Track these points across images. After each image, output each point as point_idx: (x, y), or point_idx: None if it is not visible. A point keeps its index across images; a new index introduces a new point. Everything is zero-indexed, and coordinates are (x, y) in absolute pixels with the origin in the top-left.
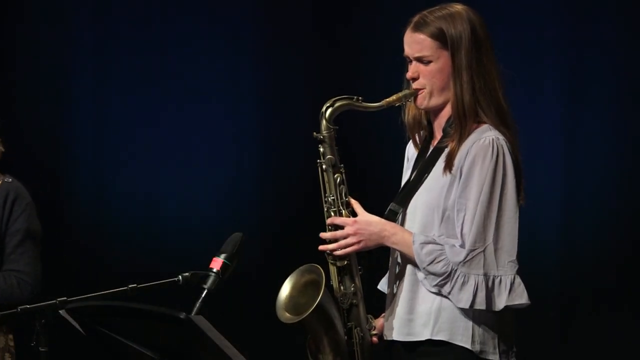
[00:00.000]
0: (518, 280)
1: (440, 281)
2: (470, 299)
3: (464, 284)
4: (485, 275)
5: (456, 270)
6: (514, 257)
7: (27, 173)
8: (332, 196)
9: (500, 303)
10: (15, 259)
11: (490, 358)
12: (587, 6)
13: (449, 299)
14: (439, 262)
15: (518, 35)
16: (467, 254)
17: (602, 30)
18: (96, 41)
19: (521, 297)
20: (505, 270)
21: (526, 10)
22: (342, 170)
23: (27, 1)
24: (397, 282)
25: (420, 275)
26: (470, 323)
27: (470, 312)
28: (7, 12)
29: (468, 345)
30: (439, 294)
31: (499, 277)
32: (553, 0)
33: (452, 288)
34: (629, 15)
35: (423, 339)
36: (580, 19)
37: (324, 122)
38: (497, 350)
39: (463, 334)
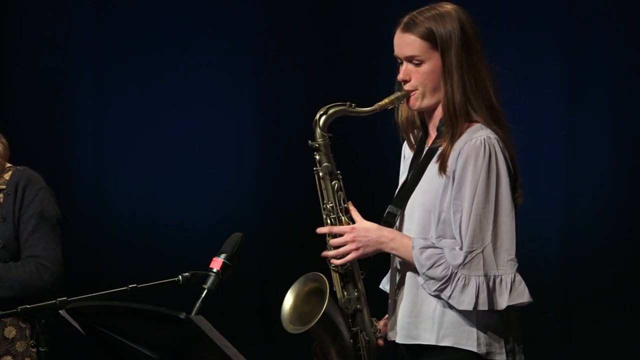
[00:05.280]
0: (519, 278)
1: (440, 285)
2: (473, 301)
3: (465, 286)
4: (486, 275)
5: (456, 273)
6: (513, 256)
7: None
8: (331, 203)
9: (503, 303)
10: (32, 244)
11: (497, 358)
12: (587, 6)
13: (449, 303)
14: (438, 266)
15: (518, 35)
16: (466, 256)
17: (602, 30)
18: (96, 41)
19: (522, 296)
20: (505, 269)
21: (526, 10)
22: (340, 176)
23: (27, 1)
24: (399, 284)
25: (420, 280)
26: (475, 326)
27: (473, 315)
28: (7, 12)
29: (474, 349)
30: (440, 299)
31: (500, 277)
32: (553, 0)
33: (452, 291)
34: (629, 15)
35: (426, 343)
36: (580, 19)
37: (318, 130)
38: (504, 349)
39: (468, 338)
